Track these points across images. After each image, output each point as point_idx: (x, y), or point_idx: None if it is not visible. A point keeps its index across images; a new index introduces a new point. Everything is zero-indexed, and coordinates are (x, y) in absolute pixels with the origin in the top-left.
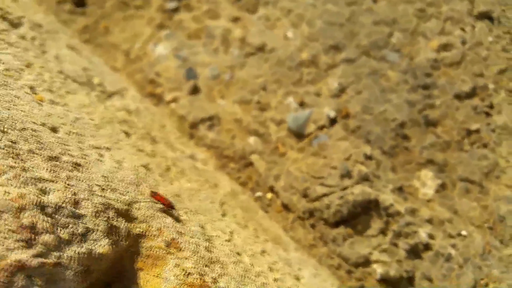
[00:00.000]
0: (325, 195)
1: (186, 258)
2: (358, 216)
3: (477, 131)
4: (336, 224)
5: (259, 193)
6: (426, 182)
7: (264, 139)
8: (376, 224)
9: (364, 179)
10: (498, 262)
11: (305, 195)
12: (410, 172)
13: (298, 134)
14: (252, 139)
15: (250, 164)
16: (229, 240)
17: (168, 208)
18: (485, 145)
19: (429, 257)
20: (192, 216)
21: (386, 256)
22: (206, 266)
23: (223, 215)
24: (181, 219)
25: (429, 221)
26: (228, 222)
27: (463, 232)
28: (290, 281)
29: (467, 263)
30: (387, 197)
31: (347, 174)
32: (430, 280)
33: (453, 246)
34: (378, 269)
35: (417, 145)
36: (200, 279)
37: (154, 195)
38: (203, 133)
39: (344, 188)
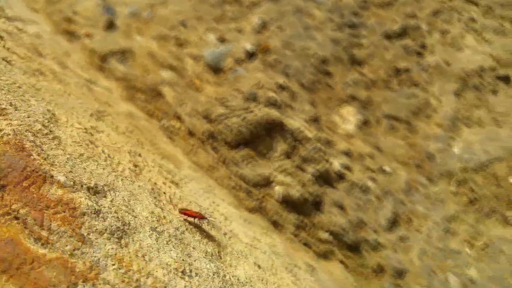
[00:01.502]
0: (226, 116)
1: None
2: (261, 138)
3: (407, 70)
4: (237, 146)
5: (165, 121)
6: (347, 118)
7: (179, 73)
8: (281, 147)
9: (272, 104)
10: (424, 199)
11: (206, 117)
12: (331, 107)
13: (216, 69)
14: (165, 73)
15: (160, 95)
16: (86, 130)
17: None
18: (415, 84)
19: (343, 187)
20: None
21: (289, 178)
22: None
23: (97, 119)
24: None
25: (347, 154)
26: (99, 124)
27: (386, 168)
28: (161, 180)
29: (387, 197)
30: (296, 123)
31: (252, 98)
32: (342, 208)
33: (373, 179)
34: (279, 190)
35: (339, 82)
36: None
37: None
38: (113, 66)
39: (246, 109)
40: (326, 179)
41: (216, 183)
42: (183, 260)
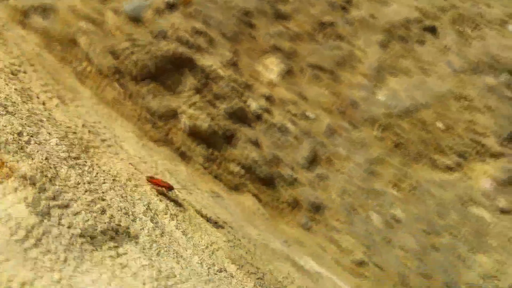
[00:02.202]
0: (131, 51)
1: None
2: (169, 73)
3: (332, 24)
4: (143, 80)
5: (76, 64)
6: (270, 68)
7: (99, 25)
8: (190, 82)
9: (182, 42)
10: (347, 142)
11: (112, 53)
12: (254, 57)
13: (136, 19)
14: (85, 24)
15: (76, 44)
16: None
17: None
18: (340, 37)
19: (260, 127)
20: None
21: (198, 111)
22: None
23: None
24: None
25: (267, 98)
26: None
27: (309, 114)
28: (55, 102)
29: (306, 138)
30: (208, 62)
31: (162, 35)
32: (257, 145)
33: (293, 122)
34: (186, 121)
35: (263, 34)
36: None
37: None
38: (34, 20)
39: (152, 43)
40: (240, 117)
41: (122, 118)
42: None
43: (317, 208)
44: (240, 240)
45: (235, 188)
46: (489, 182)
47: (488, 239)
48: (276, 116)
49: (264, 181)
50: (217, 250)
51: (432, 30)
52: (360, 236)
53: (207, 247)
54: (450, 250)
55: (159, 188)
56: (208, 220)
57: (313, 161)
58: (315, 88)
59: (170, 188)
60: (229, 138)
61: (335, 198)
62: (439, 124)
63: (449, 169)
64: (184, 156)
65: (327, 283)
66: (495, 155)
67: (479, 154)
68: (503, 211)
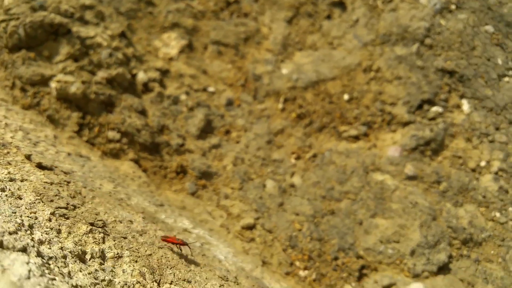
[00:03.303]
0: (7, 23)
1: None
2: (43, 42)
3: (237, 1)
4: (17, 49)
5: None
6: (169, 43)
7: None
8: (67, 51)
9: (61, 13)
10: (247, 114)
11: None
12: (152, 33)
13: None
14: None
15: None
16: None
17: None
18: (245, 15)
19: (148, 97)
20: None
21: (72, 77)
22: None
23: None
24: None
25: (161, 71)
26: None
27: (210, 88)
28: None
29: (199, 109)
30: (90, 32)
31: (39, 7)
32: (142, 113)
33: (188, 94)
34: (56, 86)
35: (164, 11)
36: None
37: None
38: None
39: (24, 13)
40: (124, 86)
41: None
42: None
43: (207, 176)
44: (69, 183)
45: (115, 155)
46: (396, 149)
47: (390, 204)
48: (169, 88)
49: (148, 148)
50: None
51: (341, 5)
52: (252, 202)
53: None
54: (348, 215)
55: (173, 245)
56: (34, 162)
57: (206, 131)
58: (218, 63)
59: (184, 244)
60: (109, 106)
61: (229, 166)
62: (346, 96)
63: (354, 138)
64: (53, 120)
65: (211, 249)
66: (404, 124)
67: (387, 123)
68: (409, 177)
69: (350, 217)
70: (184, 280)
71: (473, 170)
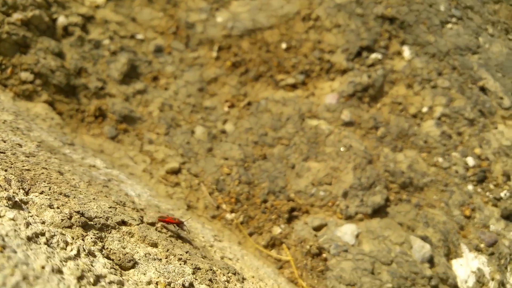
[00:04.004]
0: None
1: None
2: None
3: None
4: None
5: None
6: None
7: None
8: None
9: None
10: (178, 62)
11: None
12: None
13: None
14: None
15: None
16: None
17: None
18: None
19: (67, 40)
20: None
21: None
22: None
23: None
24: None
25: (85, 17)
26: None
27: (138, 36)
28: None
29: (123, 53)
30: None
31: None
32: (59, 55)
33: (112, 39)
34: None
35: None
36: None
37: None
38: None
39: None
40: (40, 28)
41: None
42: None
43: (129, 120)
44: None
45: (27, 96)
46: (334, 96)
47: (324, 148)
48: (92, 34)
49: (64, 91)
50: None
51: None
52: (178, 147)
53: None
54: (281, 159)
55: (170, 225)
56: None
57: (130, 76)
58: (148, 11)
59: (180, 223)
60: (23, 47)
61: (155, 112)
62: (284, 45)
63: (292, 87)
64: None
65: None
66: (342, 71)
67: (326, 71)
68: (346, 123)
69: (282, 162)
70: (61, 194)
71: (414, 116)
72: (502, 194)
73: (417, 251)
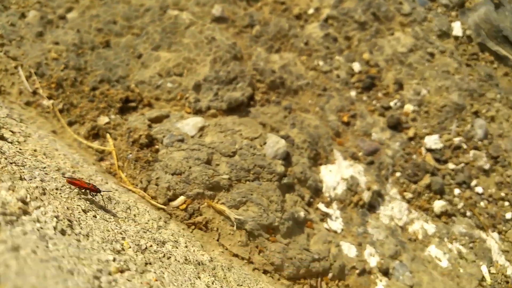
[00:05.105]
0: None
1: None
2: None
3: None
4: None
5: None
6: None
7: None
8: None
9: None
10: None
11: None
12: None
13: None
14: None
15: None
16: None
17: None
18: None
19: None
20: None
21: None
22: None
23: None
24: None
25: None
26: None
27: None
28: None
29: None
30: None
31: None
32: None
33: None
34: None
35: None
36: None
37: None
38: None
39: None
40: None
41: None
42: None
43: None
44: None
45: None
46: None
47: (182, 39)
48: None
49: None
50: None
51: None
52: None
53: None
54: (127, 48)
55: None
56: None
57: None
58: None
59: (96, 191)
60: None
61: None
62: None
63: None
64: None
65: None
66: None
67: None
68: (217, 19)
69: (128, 51)
70: None
71: (298, 17)
72: (391, 104)
73: (270, 147)
